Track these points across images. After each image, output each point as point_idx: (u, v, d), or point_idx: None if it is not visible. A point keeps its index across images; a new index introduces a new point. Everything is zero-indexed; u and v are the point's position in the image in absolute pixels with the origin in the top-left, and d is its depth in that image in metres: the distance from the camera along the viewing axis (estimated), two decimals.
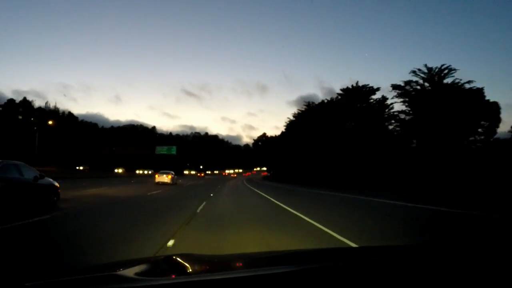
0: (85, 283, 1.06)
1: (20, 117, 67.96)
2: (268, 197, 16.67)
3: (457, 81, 35.08)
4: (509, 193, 17.38)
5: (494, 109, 34.16)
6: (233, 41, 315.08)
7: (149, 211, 9.49)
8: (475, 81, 34.69)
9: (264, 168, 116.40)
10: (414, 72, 37.02)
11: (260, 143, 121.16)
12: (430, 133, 33.60)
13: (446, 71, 35.89)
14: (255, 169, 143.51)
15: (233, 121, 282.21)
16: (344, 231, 6.35)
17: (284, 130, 70.61)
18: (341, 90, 47.70)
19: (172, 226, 6.60)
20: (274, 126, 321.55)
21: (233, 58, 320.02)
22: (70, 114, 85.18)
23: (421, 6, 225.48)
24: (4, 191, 7.23)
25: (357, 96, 44.83)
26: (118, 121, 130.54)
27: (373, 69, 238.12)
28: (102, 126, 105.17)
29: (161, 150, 76.10)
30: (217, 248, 4.83)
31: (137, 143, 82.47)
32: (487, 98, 34.17)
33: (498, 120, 34.46)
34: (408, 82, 37.77)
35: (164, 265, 1.45)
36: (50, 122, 54.48)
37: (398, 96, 38.91)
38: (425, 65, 36.75)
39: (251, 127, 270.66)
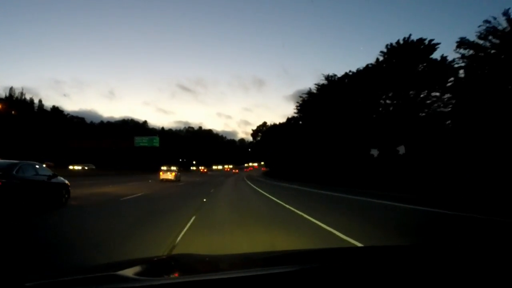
0: (85, 283, 1.09)
1: None
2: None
3: None
4: None
5: None
6: (229, 35, 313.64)
7: None
8: None
9: (262, 163, 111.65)
10: (488, 22, 23.25)
11: (259, 133, 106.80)
12: None
13: None
14: (252, 165, 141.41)
15: (228, 117, 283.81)
16: None
17: (292, 116, 59.66)
18: (385, 49, 32.21)
19: None
20: (271, 121, 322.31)
21: (230, 52, 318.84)
22: (55, 109, 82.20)
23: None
24: (22, 188, 7.98)
25: (410, 55, 29.91)
26: (112, 118, 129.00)
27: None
28: (91, 121, 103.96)
29: (141, 141, 63.44)
30: None
31: (117, 137, 70.09)
32: None
33: None
34: (486, 34, 23.59)
35: (164, 265, 1.48)
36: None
37: (463, 58, 25.88)
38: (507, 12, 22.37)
39: (246, 123, 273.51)
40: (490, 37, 23.89)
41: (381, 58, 33.10)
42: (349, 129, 34.39)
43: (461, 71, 27.41)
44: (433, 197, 15.17)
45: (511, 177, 16.32)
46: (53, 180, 9.37)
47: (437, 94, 29.58)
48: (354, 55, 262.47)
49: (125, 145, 65.18)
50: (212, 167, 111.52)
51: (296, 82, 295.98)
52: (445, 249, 1.73)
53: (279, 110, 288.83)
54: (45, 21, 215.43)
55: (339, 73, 50.41)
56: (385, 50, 32.49)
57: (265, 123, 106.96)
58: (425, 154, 26.21)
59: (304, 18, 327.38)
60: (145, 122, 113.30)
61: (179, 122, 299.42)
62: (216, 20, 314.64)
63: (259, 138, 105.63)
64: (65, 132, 68.67)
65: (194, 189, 20.45)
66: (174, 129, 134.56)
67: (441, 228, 7.53)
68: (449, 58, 28.42)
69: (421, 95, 30.60)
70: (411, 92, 31.02)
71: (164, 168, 30.87)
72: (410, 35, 30.61)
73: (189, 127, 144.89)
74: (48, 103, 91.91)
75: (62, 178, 10.05)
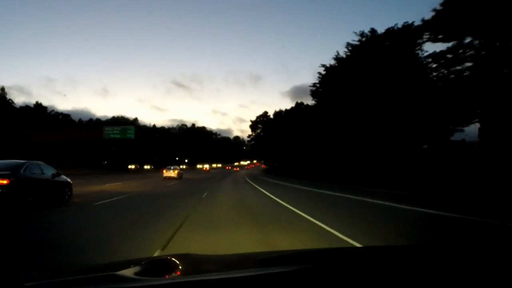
0: (85, 283, 1.11)
1: None
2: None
3: None
4: None
5: None
6: (225, 30, 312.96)
7: None
8: None
9: (262, 161, 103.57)
10: None
11: (259, 125, 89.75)
12: None
13: None
14: (244, 163, 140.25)
15: (224, 114, 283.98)
16: None
17: (300, 102, 52.28)
18: None
19: None
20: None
21: (226, 47, 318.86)
22: (39, 105, 77.73)
23: None
24: (28, 186, 8.80)
25: None
26: (104, 116, 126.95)
27: None
28: (80, 119, 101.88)
29: (111, 133, 51.82)
30: None
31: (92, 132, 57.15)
32: None
33: None
34: None
35: (164, 265, 1.50)
36: None
37: None
38: None
39: (242, 120, 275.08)
40: None
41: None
42: (393, 110, 24.81)
43: None
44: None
45: None
46: (57, 179, 10.20)
47: None
48: None
49: (92, 137, 53.55)
50: (204, 165, 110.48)
51: (293, 78, 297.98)
52: (445, 250, 1.74)
53: (276, 107, 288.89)
54: (35, 18, 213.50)
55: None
56: None
57: (266, 112, 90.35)
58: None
59: (301, 13, 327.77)
60: (136, 119, 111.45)
61: (174, 120, 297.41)
62: (211, 15, 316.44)
63: (259, 131, 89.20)
64: (46, 130, 57.96)
65: None
66: (167, 127, 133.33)
67: None
68: None
69: None
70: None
71: (170, 166, 35.18)
72: None
73: (182, 124, 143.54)
74: (41, 102, 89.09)
75: (65, 177, 10.86)
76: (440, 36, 22.36)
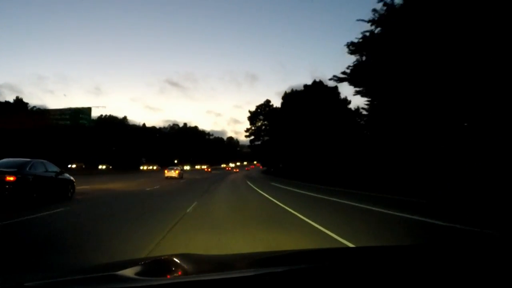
0: (85, 283, 1.13)
1: None
2: None
3: None
4: None
5: None
6: (221, 28, 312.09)
7: None
8: None
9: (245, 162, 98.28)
10: None
11: (261, 116, 72.57)
12: None
13: None
14: (237, 164, 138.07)
15: (218, 115, 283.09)
16: None
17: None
18: None
19: None
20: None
21: (222, 46, 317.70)
22: (19, 101, 75.69)
23: None
24: (33, 183, 9.32)
25: None
26: (94, 116, 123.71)
27: None
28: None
29: (59, 118, 43.04)
30: None
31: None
32: None
33: None
34: None
35: (164, 265, 1.52)
36: None
37: None
38: None
39: (236, 121, 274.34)
40: None
41: None
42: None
43: None
44: None
45: None
46: (60, 176, 10.76)
47: None
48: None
49: (37, 124, 43.08)
50: (195, 165, 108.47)
51: (290, 78, 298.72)
52: (439, 251, 1.75)
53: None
54: (26, 15, 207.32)
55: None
56: None
57: (268, 101, 73.35)
58: None
59: (298, 12, 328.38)
60: (125, 117, 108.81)
61: (168, 121, 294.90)
62: (207, 13, 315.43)
63: (259, 124, 73.23)
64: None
65: None
66: (158, 127, 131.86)
67: None
68: None
69: None
70: None
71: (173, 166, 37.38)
72: None
73: (174, 124, 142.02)
74: (32, 102, 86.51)
75: (68, 175, 11.42)
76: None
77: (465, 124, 18.23)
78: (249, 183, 28.03)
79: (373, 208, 10.71)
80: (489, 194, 12.81)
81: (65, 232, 6.02)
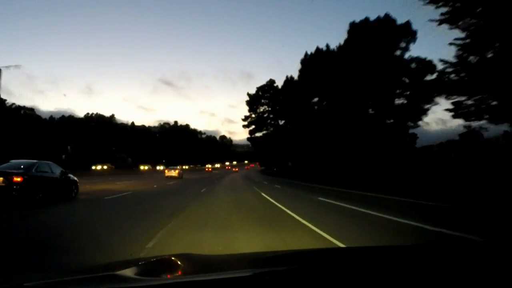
0: (85, 283, 1.15)
1: None
2: None
3: None
4: None
5: None
6: (216, 26, 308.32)
7: None
8: None
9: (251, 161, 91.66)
10: None
11: (262, 100, 58.64)
12: None
13: None
14: (233, 163, 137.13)
15: (212, 114, 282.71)
16: None
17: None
18: None
19: None
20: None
21: (217, 44, 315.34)
22: None
23: None
24: (39, 183, 9.65)
25: None
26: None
27: None
28: (52, 116, 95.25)
29: None
30: None
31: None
32: None
33: None
34: None
35: (164, 265, 1.54)
36: None
37: None
38: None
39: (230, 121, 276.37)
40: None
41: None
42: None
43: None
44: None
45: None
46: (64, 177, 11.09)
47: None
48: None
49: None
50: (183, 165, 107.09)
51: (285, 76, 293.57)
52: (433, 250, 1.76)
53: None
54: (14, 12, 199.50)
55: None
56: None
57: (273, 81, 58.16)
58: None
59: (295, 10, 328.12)
60: (113, 115, 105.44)
61: (161, 121, 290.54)
62: (201, 10, 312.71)
63: (262, 110, 58.74)
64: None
65: None
66: (147, 126, 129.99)
67: None
68: None
69: None
70: None
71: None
72: None
73: (165, 123, 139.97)
74: (20, 103, 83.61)
75: (72, 176, 11.73)
76: None
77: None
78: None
79: None
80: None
81: (67, 232, 6.02)
